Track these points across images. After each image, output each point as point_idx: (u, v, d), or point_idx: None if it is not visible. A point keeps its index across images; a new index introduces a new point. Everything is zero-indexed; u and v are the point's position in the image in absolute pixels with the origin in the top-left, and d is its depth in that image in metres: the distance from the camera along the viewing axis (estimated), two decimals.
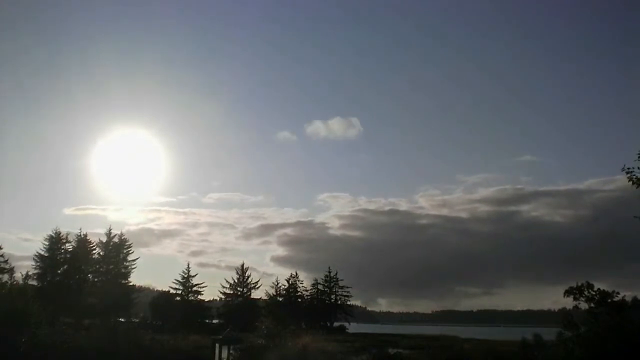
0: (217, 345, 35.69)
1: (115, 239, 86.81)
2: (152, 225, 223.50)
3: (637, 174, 18.65)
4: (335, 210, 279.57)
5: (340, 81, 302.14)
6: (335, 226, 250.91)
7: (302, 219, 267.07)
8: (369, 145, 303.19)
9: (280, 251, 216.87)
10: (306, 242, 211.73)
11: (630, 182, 18.74)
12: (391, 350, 46.46)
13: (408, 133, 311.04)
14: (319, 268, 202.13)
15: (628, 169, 18.88)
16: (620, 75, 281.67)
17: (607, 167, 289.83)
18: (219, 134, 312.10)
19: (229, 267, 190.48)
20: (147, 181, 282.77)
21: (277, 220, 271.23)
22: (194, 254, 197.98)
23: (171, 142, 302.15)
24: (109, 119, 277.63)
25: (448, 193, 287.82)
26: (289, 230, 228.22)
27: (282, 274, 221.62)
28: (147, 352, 34.33)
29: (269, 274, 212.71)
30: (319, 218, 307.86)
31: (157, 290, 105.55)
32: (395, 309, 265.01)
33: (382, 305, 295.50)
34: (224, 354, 34.87)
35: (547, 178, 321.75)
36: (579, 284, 23.42)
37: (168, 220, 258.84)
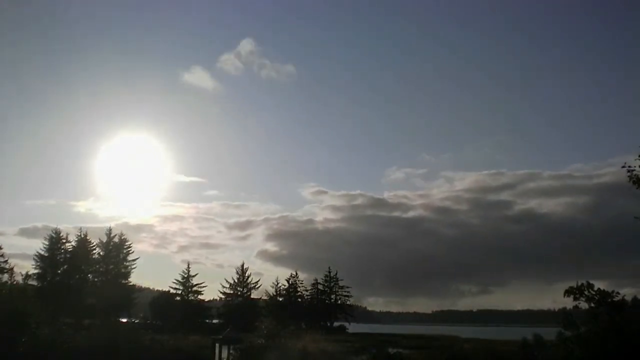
0: (217, 345, 35.74)
1: (116, 239, 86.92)
2: (128, 219, 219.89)
3: (638, 173, 18.49)
4: (311, 198, 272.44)
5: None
6: (315, 219, 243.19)
7: (285, 213, 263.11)
8: (325, 120, 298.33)
9: (267, 247, 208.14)
10: (291, 237, 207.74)
11: (631, 182, 18.60)
12: (391, 350, 46.43)
13: (368, 109, 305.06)
14: (307, 264, 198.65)
15: (629, 167, 18.68)
16: (596, 60, 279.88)
17: (587, 150, 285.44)
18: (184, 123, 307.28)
19: (217, 265, 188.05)
20: (116, 174, 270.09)
21: (259, 214, 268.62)
22: (179, 249, 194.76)
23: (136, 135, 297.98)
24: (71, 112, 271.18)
25: (417, 176, 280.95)
26: (271, 225, 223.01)
27: (270, 271, 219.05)
28: (147, 352, 34.32)
29: (259, 273, 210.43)
30: (295, 208, 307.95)
31: (157, 290, 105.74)
32: (391, 308, 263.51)
33: (375, 303, 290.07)
34: (224, 354, 34.90)
35: (522, 160, 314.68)
36: (579, 284, 23.37)
37: (144, 213, 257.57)
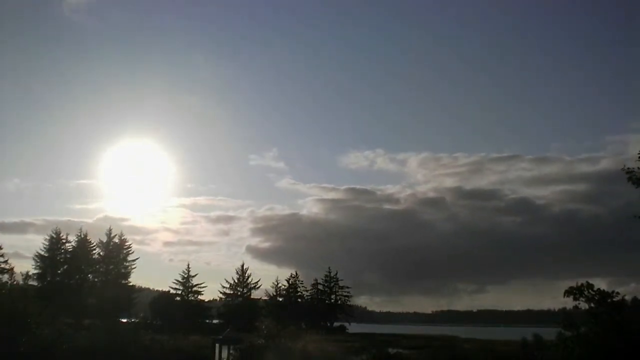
0: (217, 345, 35.79)
1: (116, 239, 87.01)
2: (107, 213, 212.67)
3: (637, 174, 18.51)
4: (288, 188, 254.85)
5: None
6: (301, 212, 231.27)
7: (269, 207, 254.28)
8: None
9: (254, 243, 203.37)
10: (278, 232, 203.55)
11: (630, 182, 18.61)
12: (391, 350, 46.47)
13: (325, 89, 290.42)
14: (295, 260, 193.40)
15: (628, 168, 18.69)
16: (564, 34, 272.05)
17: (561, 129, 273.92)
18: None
19: (205, 263, 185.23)
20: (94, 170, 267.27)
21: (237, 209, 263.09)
22: (164, 245, 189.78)
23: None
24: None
25: (387, 160, 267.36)
26: (256, 220, 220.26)
27: (260, 269, 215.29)
28: (147, 352, 34.34)
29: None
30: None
31: (157, 290, 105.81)
32: (388, 307, 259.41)
33: (370, 303, 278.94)
34: (224, 354, 34.94)
35: (498, 141, 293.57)
36: (579, 284, 23.41)
37: (121, 207, 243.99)
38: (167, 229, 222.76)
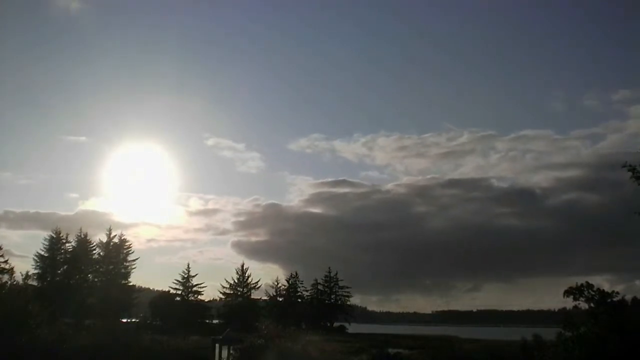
0: (217, 345, 35.71)
1: (116, 239, 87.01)
2: (84, 207, 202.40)
3: None
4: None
5: None
6: (282, 204, 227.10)
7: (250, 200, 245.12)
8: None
9: (239, 238, 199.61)
10: (263, 227, 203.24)
11: (633, 179, 18.55)
12: (391, 350, 46.45)
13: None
14: (286, 256, 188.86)
15: (630, 165, 18.60)
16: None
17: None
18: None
19: (192, 261, 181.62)
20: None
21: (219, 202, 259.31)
22: (147, 241, 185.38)
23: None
24: None
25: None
26: (239, 215, 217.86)
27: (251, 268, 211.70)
28: (147, 352, 34.31)
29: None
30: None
31: (157, 290, 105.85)
32: (387, 307, 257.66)
33: (366, 301, 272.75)
34: (224, 354, 34.86)
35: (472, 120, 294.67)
36: (579, 284, 23.46)
37: (99, 203, 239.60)
38: (148, 224, 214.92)
